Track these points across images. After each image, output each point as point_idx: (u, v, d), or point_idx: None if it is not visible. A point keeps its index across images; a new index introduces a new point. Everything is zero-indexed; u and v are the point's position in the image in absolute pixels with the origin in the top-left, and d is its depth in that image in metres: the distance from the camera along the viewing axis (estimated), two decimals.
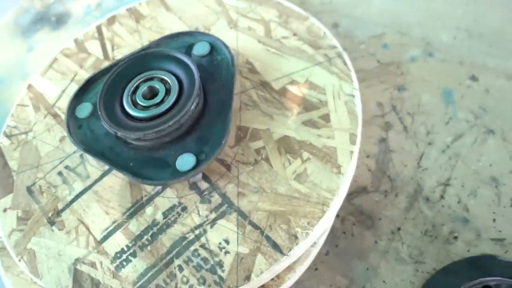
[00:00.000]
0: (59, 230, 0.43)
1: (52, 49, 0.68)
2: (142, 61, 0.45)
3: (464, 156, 0.46)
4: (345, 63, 0.47)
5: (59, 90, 0.53)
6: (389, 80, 0.52)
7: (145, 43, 0.55)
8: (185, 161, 0.40)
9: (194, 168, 0.40)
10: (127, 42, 0.55)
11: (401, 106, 0.50)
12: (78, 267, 0.41)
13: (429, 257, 0.42)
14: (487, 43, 0.52)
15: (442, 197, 0.44)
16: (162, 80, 0.43)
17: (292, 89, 0.46)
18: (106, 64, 0.54)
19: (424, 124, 0.49)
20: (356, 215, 0.45)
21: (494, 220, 0.43)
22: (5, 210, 0.46)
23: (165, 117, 0.41)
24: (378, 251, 0.43)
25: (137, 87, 0.44)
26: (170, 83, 0.43)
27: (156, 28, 0.55)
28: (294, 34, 0.50)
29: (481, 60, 0.51)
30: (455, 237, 0.42)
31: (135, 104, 0.42)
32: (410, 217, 0.44)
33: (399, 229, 0.44)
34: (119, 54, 0.55)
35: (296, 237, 0.39)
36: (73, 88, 0.52)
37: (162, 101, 0.42)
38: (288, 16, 0.52)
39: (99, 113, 0.42)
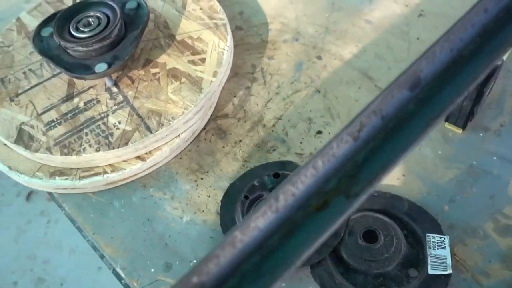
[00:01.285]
0: (15, 105, 0.62)
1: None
2: (88, 5, 0.64)
3: (296, 104, 0.66)
4: (225, 30, 0.67)
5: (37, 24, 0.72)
6: (265, 52, 0.71)
7: None
8: (100, 67, 0.59)
9: (104, 71, 0.59)
10: None
11: (266, 69, 0.69)
12: (22, 127, 0.60)
13: (254, 159, 0.61)
14: (335, 37, 0.72)
15: (273, 125, 0.64)
16: (97, 17, 0.63)
17: (188, 40, 0.66)
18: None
19: (277, 81, 0.68)
20: (216, 130, 0.64)
21: (301, 142, 0.62)
22: None
23: (94, 38, 0.61)
24: (223, 152, 0.62)
25: (80, 19, 0.63)
26: (102, 19, 0.62)
27: None
28: (200, 9, 0.70)
29: (327, 47, 0.71)
30: (274, 149, 0.62)
31: (77, 29, 0.61)
32: (249, 135, 0.63)
33: (240, 141, 0.63)
34: None
35: (162, 125, 0.58)
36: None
37: (94, 29, 0.61)
38: None
39: (53, 30, 0.61)
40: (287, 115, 0.65)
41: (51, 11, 0.73)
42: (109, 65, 0.60)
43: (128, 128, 0.58)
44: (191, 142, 0.63)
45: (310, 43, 0.72)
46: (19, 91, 0.63)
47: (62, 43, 0.60)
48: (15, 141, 0.58)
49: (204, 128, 0.64)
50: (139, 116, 0.59)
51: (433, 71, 0.24)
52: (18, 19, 0.73)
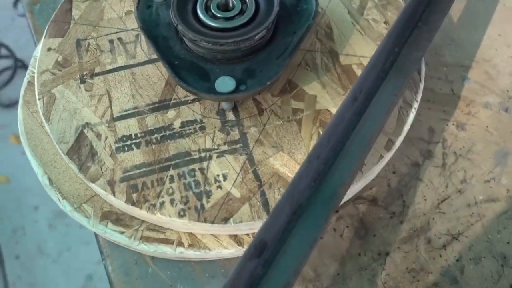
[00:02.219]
0: (85, 90, 0.41)
1: None
2: None
3: (487, 222, 0.41)
4: (419, 72, 0.42)
5: None
6: (453, 114, 0.46)
7: None
8: (224, 83, 0.37)
9: (229, 93, 0.36)
10: None
11: (450, 143, 0.45)
12: (85, 130, 0.39)
13: None
14: None
15: (444, 247, 0.40)
16: (242, 1, 0.39)
17: (357, 71, 0.42)
18: None
19: (464, 170, 0.43)
20: (354, 220, 0.41)
21: None
22: (49, 49, 0.44)
23: (228, 33, 0.38)
24: (356, 264, 0.39)
25: None
26: (248, 4, 0.39)
27: None
28: (385, 22, 0.45)
29: None
30: None
31: (207, 10, 0.38)
32: (403, 249, 0.40)
33: (387, 254, 0.39)
34: None
35: None
36: None
37: (232, 18, 0.38)
38: (388, 3, 0.46)
39: (171, 1, 0.39)
40: (469, 237, 0.40)
41: None
42: (238, 84, 0.37)
43: (236, 193, 0.36)
44: None
45: None
46: (97, 70, 0.42)
47: (180, 28, 0.37)
48: (68, 151, 0.38)
49: (336, 211, 0.41)
50: (257, 177, 0.36)
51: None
52: None
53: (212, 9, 0.38)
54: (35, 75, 0.42)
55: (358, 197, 0.41)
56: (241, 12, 0.38)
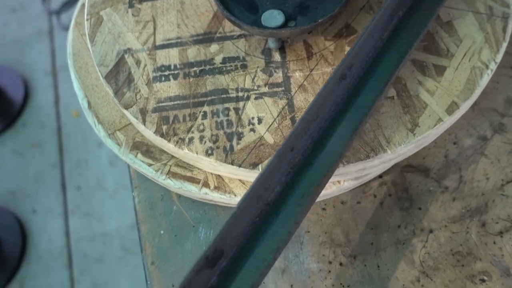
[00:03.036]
0: (132, 15, 0.39)
1: None
2: None
3: None
4: (504, 30, 0.35)
5: None
6: None
7: None
8: (272, 16, 0.33)
9: (275, 28, 0.33)
10: None
11: None
12: (126, 55, 0.37)
13: (440, 278, 0.34)
14: None
15: (500, 233, 0.34)
16: None
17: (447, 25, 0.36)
18: None
19: None
20: (399, 189, 0.36)
21: None
22: None
23: None
24: (394, 236, 0.35)
25: None
26: None
27: None
28: None
29: None
30: (483, 281, 0.33)
31: None
32: (451, 229, 0.35)
33: (431, 231, 0.35)
34: None
35: None
36: None
37: None
38: None
39: None
40: None
41: None
42: (287, 20, 0.33)
43: (270, 138, 0.33)
44: (351, 190, 0.37)
45: None
46: None
47: None
48: (107, 75, 0.36)
49: (380, 176, 0.37)
50: (294, 123, 0.33)
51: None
52: None
53: None
54: None
55: (408, 164, 0.36)
56: None
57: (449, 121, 0.32)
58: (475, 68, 0.34)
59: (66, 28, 1.45)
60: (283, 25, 0.33)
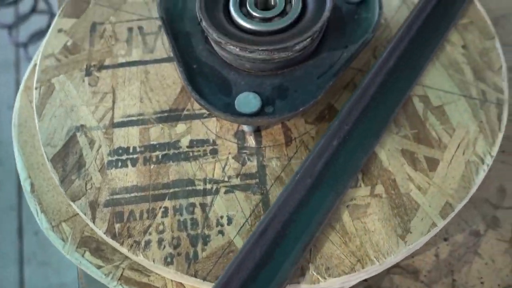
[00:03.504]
0: (89, 85, 0.34)
1: None
2: None
3: None
4: (499, 118, 0.32)
5: None
6: None
7: None
8: (247, 100, 0.29)
9: (250, 115, 0.28)
10: None
11: None
12: (78, 134, 0.32)
13: None
14: None
15: None
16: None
17: (417, 105, 0.33)
18: None
19: None
20: None
21: None
22: (59, 31, 0.37)
23: (263, 38, 0.30)
24: None
25: None
26: (293, 4, 0.30)
27: None
28: (464, 46, 0.35)
29: None
30: None
31: (241, 6, 0.31)
32: None
33: None
34: None
35: (301, 269, 0.28)
36: None
37: (271, 19, 0.30)
38: (471, 22, 0.37)
39: None
40: None
41: None
42: (264, 105, 0.29)
43: (240, 243, 0.28)
44: None
45: None
46: (106, 62, 0.35)
47: (204, 24, 0.29)
48: (53, 157, 0.31)
49: (365, 280, 0.33)
50: None
51: None
52: None
53: (248, 6, 0.30)
54: (38, 59, 0.36)
55: (395, 265, 0.32)
56: (283, 13, 0.30)
57: (443, 224, 0.29)
58: (470, 162, 0.30)
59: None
60: (260, 111, 0.28)
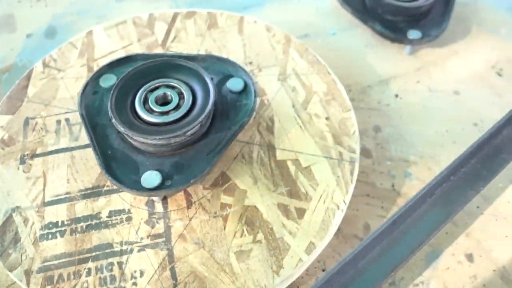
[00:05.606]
0: (23, 172, 0.42)
1: (135, 10, 0.68)
2: (170, 67, 0.42)
3: None
4: (352, 173, 0.43)
5: (109, 50, 0.52)
6: (391, 210, 0.47)
7: (202, 50, 0.53)
8: (151, 177, 0.38)
9: (152, 189, 0.37)
10: (188, 41, 0.53)
11: None
12: (14, 214, 0.40)
13: None
14: None
15: None
16: (180, 94, 0.41)
17: (291, 167, 0.43)
18: (159, 49, 0.53)
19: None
20: None
21: None
22: None
23: (162, 128, 0.39)
24: None
25: (156, 88, 0.41)
26: (185, 99, 0.40)
27: (219, 43, 0.53)
28: (327, 118, 0.46)
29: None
30: None
31: (145, 102, 0.40)
32: None
33: None
34: (174, 47, 0.53)
35: None
36: (120, 54, 0.51)
37: (168, 112, 0.40)
38: (333, 98, 0.48)
39: (111, 91, 0.41)
40: None
41: (132, 40, 0.53)
42: (165, 179, 0.38)
43: None
44: None
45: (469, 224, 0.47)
46: (38, 151, 0.44)
47: (114, 121, 0.39)
48: None
49: None
50: (173, 275, 0.37)
51: None
52: (89, 33, 0.54)
53: (149, 102, 0.40)
54: None
55: None
56: (177, 107, 0.40)
57: (309, 260, 0.38)
58: (329, 209, 0.40)
59: None
60: (160, 185, 0.37)
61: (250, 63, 0.51)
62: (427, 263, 0.44)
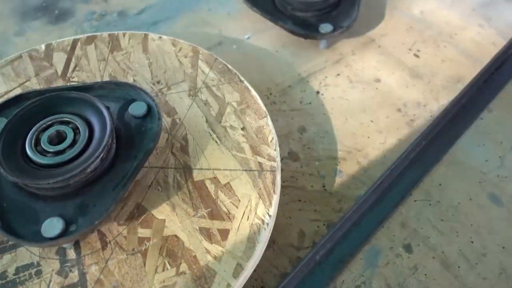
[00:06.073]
0: None
1: (39, 42, 0.64)
2: (66, 100, 0.39)
3: None
4: (273, 182, 0.41)
5: (4, 90, 0.49)
6: (325, 212, 0.46)
7: (106, 75, 0.50)
8: (52, 225, 0.34)
9: (53, 238, 0.34)
10: (90, 68, 0.50)
11: None
12: None
13: None
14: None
15: None
16: (75, 129, 0.38)
17: (209, 187, 0.41)
18: (59, 82, 0.50)
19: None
20: None
21: None
22: None
23: (60, 169, 0.36)
24: None
25: (48, 126, 0.38)
26: (81, 133, 0.37)
27: (123, 65, 0.50)
28: (243, 128, 0.45)
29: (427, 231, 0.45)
30: None
31: (37, 144, 0.37)
32: None
33: None
34: (76, 77, 0.50)
35: None
36: (17, 93, 0.48)
37: (63, 151, 0.37)
38: (247, 106, 0.47)
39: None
40: None
41: (29, 75, 0.50)
42: (68, 224, 0.35)
43: None
44: None
45: (403, 221, 0.46)
46: None
47: (2, 171, 0.35)
48: None
49: None
50: None
51: None
52: None
53: (42, 144, 0.37)
54: None
55: None
56: (73, 144, 0.37)
57: (239, 283, 0.36)
58: (253, 225, 0.38)
59: None
60: (64, 232, 0.34)
61: (158, 82, 0.49)
62: (366, 262, 0.43)
